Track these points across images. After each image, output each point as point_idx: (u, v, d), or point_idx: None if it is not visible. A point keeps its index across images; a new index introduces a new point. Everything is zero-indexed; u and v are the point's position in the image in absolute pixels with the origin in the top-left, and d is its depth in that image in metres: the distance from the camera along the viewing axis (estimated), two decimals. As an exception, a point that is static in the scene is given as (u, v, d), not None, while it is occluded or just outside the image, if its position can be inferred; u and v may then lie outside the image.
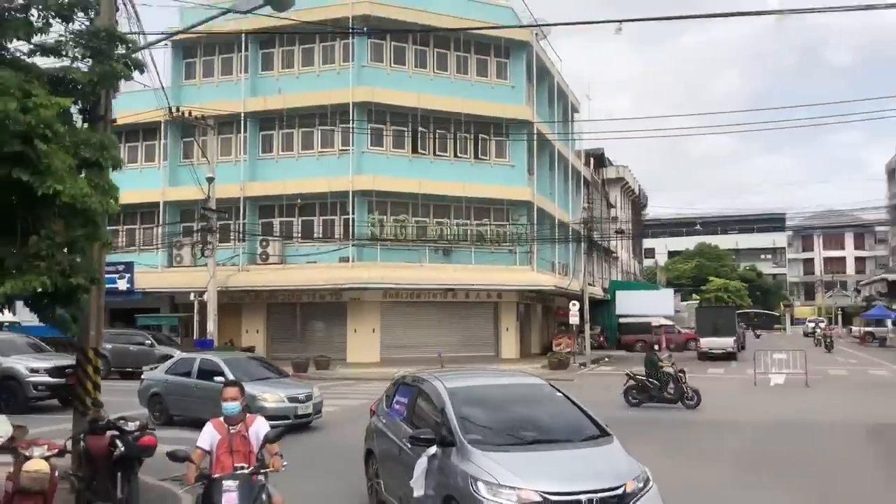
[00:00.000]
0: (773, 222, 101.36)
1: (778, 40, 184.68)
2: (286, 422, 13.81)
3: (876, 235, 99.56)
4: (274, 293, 32.58)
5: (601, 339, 43.21)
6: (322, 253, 31.98)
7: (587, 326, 34.11)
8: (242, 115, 32.56)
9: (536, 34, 37.23)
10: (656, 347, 21.58)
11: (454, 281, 31.88)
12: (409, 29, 31.91)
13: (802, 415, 16.73)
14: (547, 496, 6.20)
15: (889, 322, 53.64)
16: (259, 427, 6.05)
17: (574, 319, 32.38)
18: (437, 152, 33.48)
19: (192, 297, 29.33)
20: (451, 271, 32.17)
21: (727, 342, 36.08)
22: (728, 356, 35.54)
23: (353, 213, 31.61)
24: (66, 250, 7.45)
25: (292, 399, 15.35)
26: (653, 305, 46.09)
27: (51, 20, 7.82)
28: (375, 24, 32.25)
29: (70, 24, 8.72)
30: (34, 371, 18.02)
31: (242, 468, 5.74)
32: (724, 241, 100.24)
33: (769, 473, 10.81)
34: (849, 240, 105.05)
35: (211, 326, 29.26)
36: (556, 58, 41.69)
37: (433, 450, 7.15)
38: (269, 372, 16.84)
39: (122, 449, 8.23)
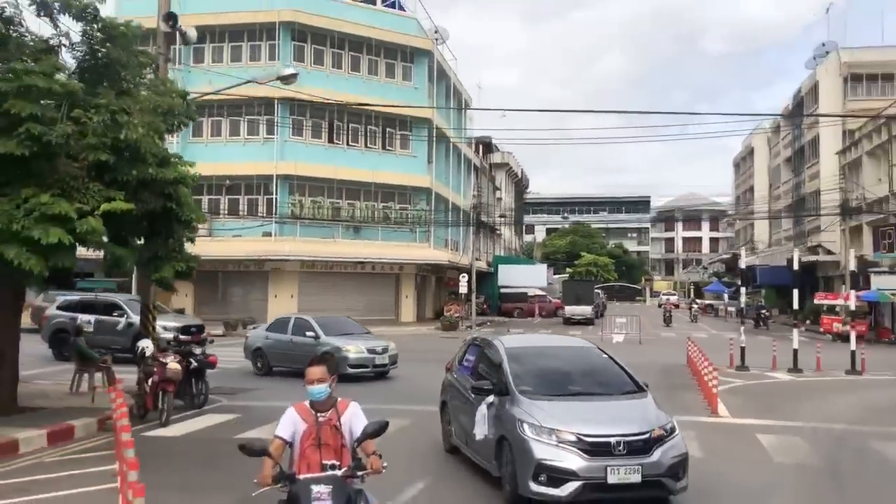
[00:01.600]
0: (639, 204, 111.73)
1: (658, 27, 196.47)
2: (365, 370, 17.18)
3: (728, 219, 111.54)
4: (202, 262, 36.67)
5: (485, 306, 49.60)
6: (247, 228, 36.52)
7: (474, 295, 40.40)
8: (175, 102, 36.32)
9: (436, 39, 42.74)
10: None
11: (363, 255, 37.26)
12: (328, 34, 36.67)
13: (624, 359, 23.31)
14: (581, 437, 7.20)
15: (725, 296, 63.27)
16: (354, 416, 4.76)
17: (463, 289, 38.51)
18: (350, 143, 38.56)
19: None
20: (360, 247, 37.52)
21: (586, 310, 43.42)
22: (587, 321, 42.84)
23: (275, 194, 36.26)
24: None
25: (371, 350, 17.39)
26: (529, 278, 53.29)
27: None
28: (299, 28, 36.83)
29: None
30: (166, 329, 20.29)
31: (334, 467, 4.52)
32: (595, 221, 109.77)
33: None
34: (705, 222, 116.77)
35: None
36: (452, 58, 47.33)
37: (491, 398, 8.22)
38: (353, 328, 19.16)
39: (195, 364, 13.37)
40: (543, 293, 53.02)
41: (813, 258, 46.39)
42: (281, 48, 36.79)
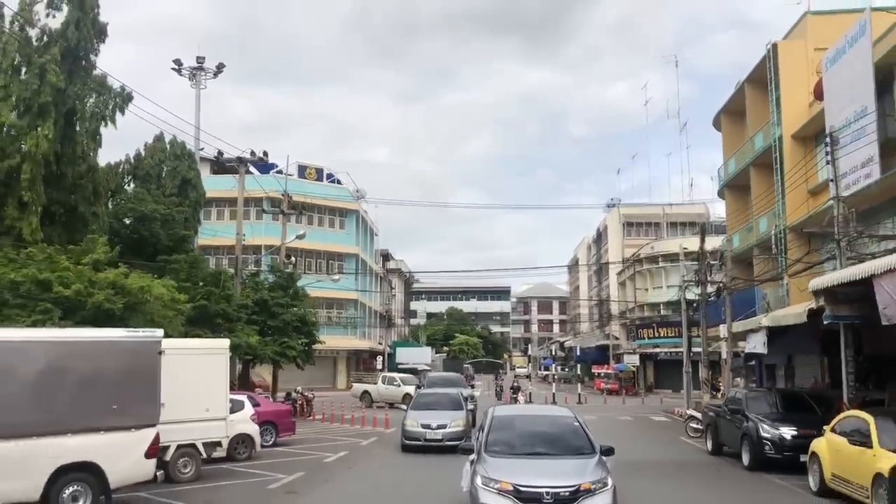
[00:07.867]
0: (501, 293, 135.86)
1: (526, 110, 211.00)
2: (418, 442, 18.29)
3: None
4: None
5: (388, 378, 69.94)
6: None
7: (386, 369, 61.18)
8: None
9: (359, 199, 64.62)
10: None
11: (316, 347, 57.21)
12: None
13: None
14: (518, 487, 8.80)
15: (555, 368, 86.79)
16: None
17: (379, 366, 59.24)
18: (306, 271, 59.13)
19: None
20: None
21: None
22: (459, 386, 64.22)
23: (260, 306, 56.15)
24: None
25: (424, 426, 18.35)
26: (418, 356, 74.28)
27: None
28: (277, 199, 57.67)
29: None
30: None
31: None
32: (466, 306, 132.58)
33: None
34: (556, 306, 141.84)
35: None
36: (370, 209, 69.13)
37: (473, 456, 10.12)
38: (447, 404, 20.13)
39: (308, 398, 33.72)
40: (429, 367, 74.28)
41: (605, 342, 70.56)
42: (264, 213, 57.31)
